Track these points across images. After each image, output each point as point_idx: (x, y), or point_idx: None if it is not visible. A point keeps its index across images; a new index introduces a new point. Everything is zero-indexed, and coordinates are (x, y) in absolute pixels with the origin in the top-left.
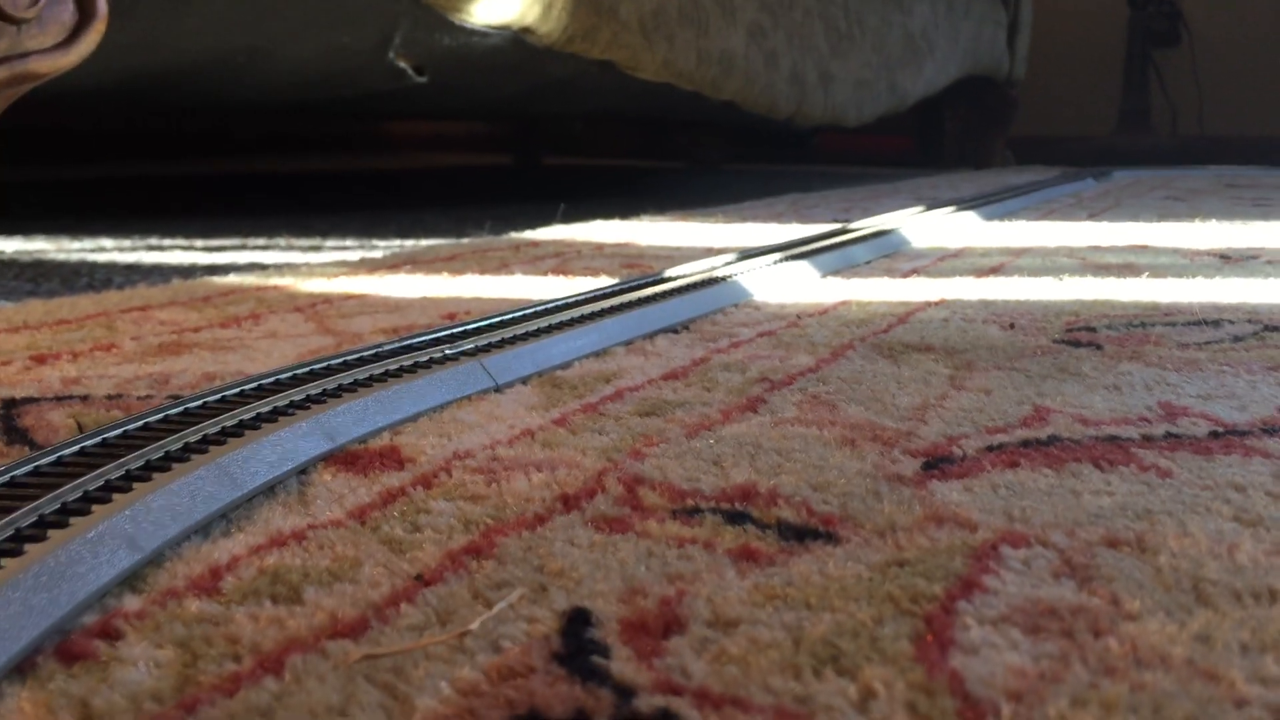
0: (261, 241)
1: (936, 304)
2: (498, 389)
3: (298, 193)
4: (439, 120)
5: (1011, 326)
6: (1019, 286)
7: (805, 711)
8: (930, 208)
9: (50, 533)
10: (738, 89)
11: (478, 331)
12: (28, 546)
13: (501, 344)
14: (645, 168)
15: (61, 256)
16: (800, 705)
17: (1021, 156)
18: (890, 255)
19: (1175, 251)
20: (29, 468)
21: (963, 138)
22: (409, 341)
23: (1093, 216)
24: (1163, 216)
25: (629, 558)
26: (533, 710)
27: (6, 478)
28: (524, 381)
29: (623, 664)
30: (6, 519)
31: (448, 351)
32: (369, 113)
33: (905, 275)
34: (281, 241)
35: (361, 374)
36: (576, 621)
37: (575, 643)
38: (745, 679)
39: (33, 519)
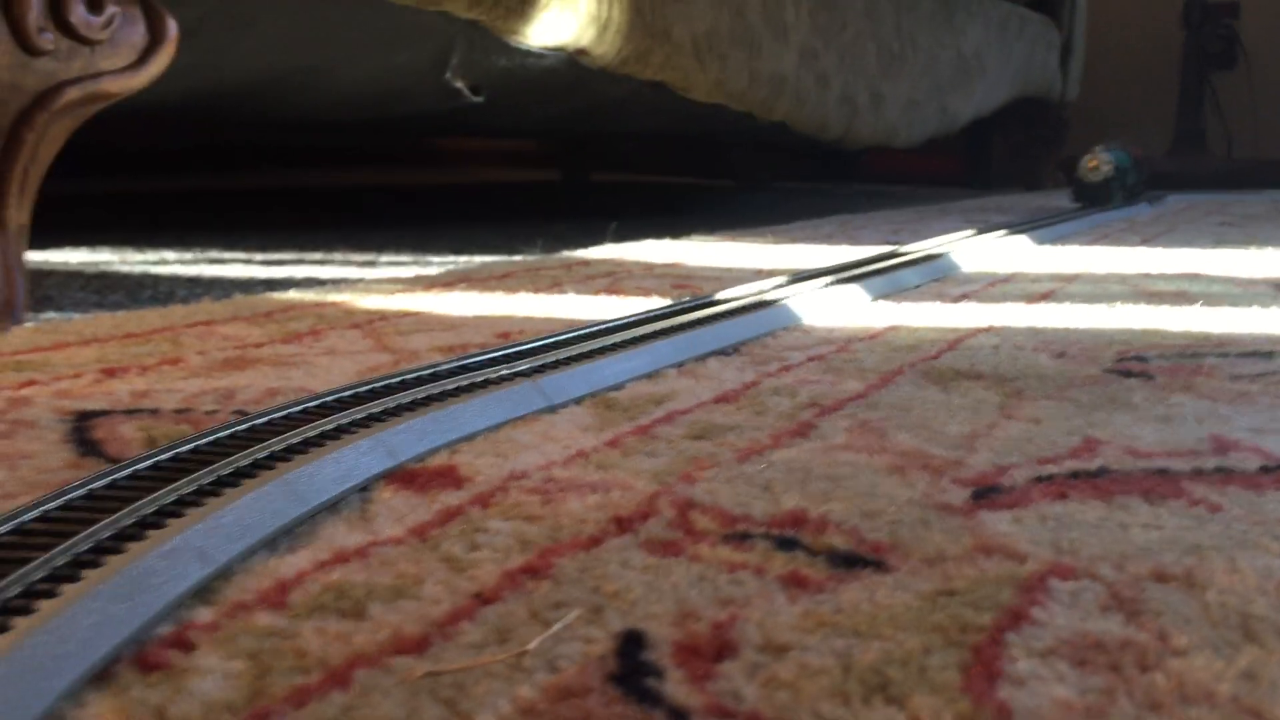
0: (318, 256)
1: (987, 330)
2: (552, 409)
3: (352, 207)
4: (489, 137)
5: (1062, 355)
6: (1070, 313)
7: None
8: (980, 231)
9: (127, 545)
10: (788, 110)
11: (532, 352)
12: (106, 559)
13: (556, 365)
14: (693, 185)
15: (126, 269)
16: None
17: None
18: (940, 279)
19: (1229, 280)
20: (106, 481)
21: (1013, 159)
22: (466, 361)
23: (1146, 242)
24: (1217, 243)
25: (681, 581)
26: None
27: (84, 490)
28: (577, 402)
29: (676, 686)
30: (86, 531)
31: (503, 372)
32: (422, 130)
33: (955, 300)
34: (338, 256)
35: (420, 393)
36: (631, 643)
37: (630, 664)
38: (796, 704)
39: (111, 531)
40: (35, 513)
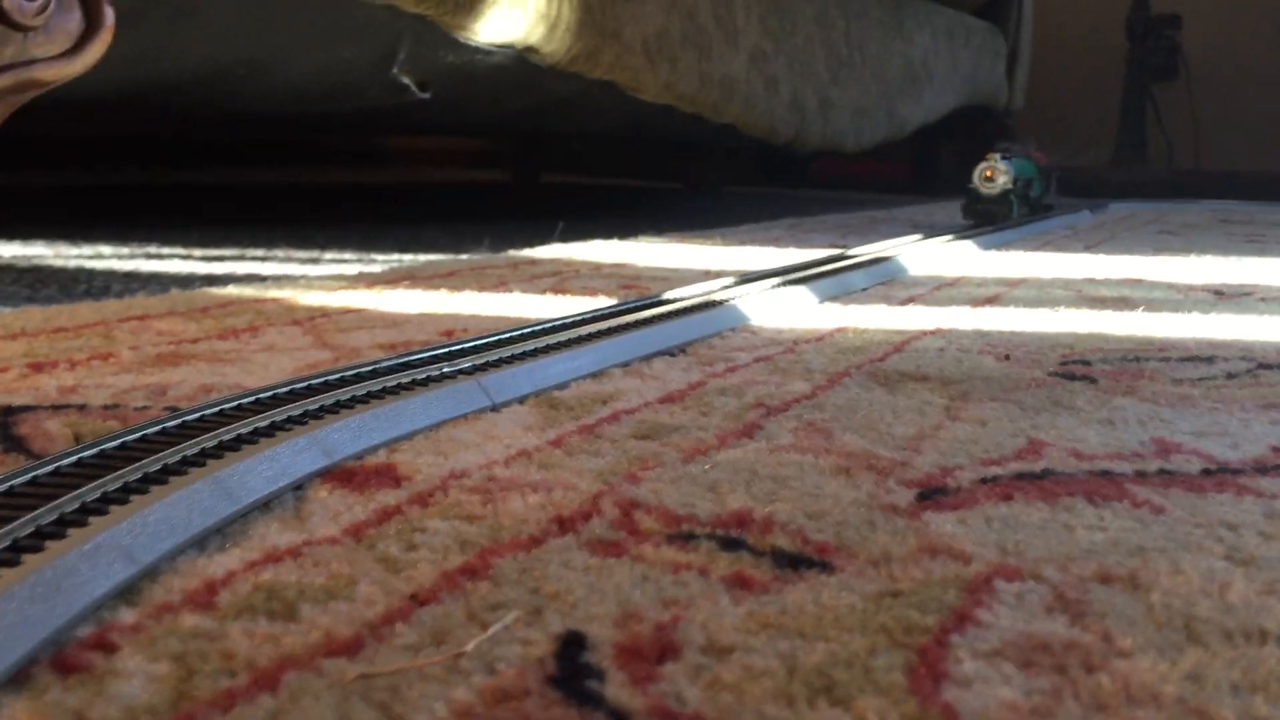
0: (260, 252)
1: (933, 333)
2: (495, 408)
3: (296, 204)
4: (437, 136)
5: (1007, 358)
6: (1015, 317)
7: None
8: (927, 235)
9: (47, 544)
10: (738, 113)
11: (476, 350)
12: (25, 557)
13: (499, 363)
14: (643, 188)
15: (59, 263)
16: None
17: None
18: (888, 282)
19: (1170, 286)
20: (27, 477)
21: (960, 166)
22: (407, 358)
23: (1089, 249)
24: (1158, 250)
25: (624, 582)
26: None
27: (4, 487)
28: (521, 401)
29: (618, 689)
30: (4, 529)
31: (445, 369)
32: (369, 127)
33: (902, 303)
34: (280, 253)
35: (359, 390)
36: (571, 645)
37: (570, 666)
38: (740, 706)
39: (30, 529)
40: None
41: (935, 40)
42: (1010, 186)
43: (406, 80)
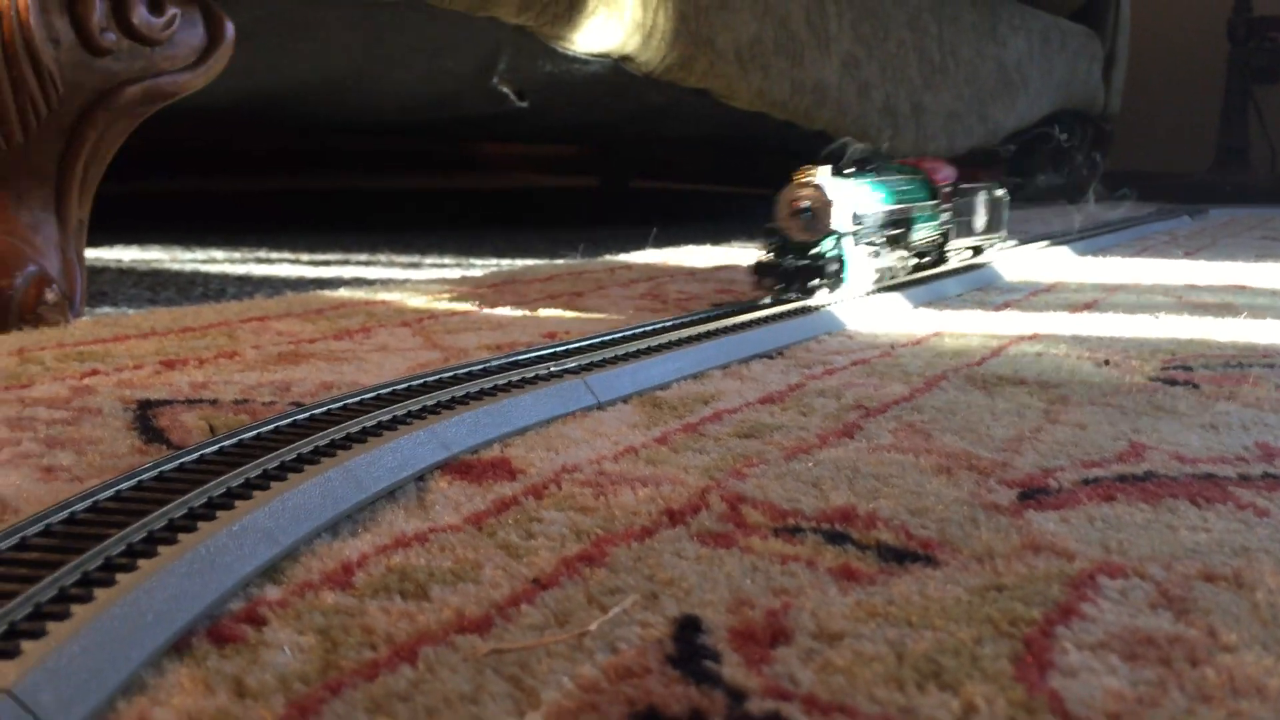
0: (364, 257)
1: (1030, 338)
2: (600, 407)
3: (395, 210)
4: (529, 143)
5: (1106, 363)
6: (1114, 323)
7: None
8: (1022, 242)
9: (199, 524)
10: (830, 119)
11: (580, 350)
12: (180, 536)
13: (603, 363)
14: (731, 193)
15: (176, 267)
16: (905, 715)
17: (1115, 191)
18: (982, 289)
19: (1273, 293)
20: (175, 464)
21: (1053, 170)
22: (515, 358)
23: (1189, 254)
24: (1260, 256)
25: (734, 571)
26: (651, 708)
27: (155, 472)
28: (625, 400)
29: (733, 669)
30: (160, 510)
31: (552, 369)
32: (464, 134)
33: (998, 309)
34: (383, 258)
35: (472, 388)
36: (688, 628)
37: (688, 647)
38: (851, 689)
39: (183, 511)
40: (109, 492)
41: (1030, 44)
42: (838, 229)
43: (505, 89)
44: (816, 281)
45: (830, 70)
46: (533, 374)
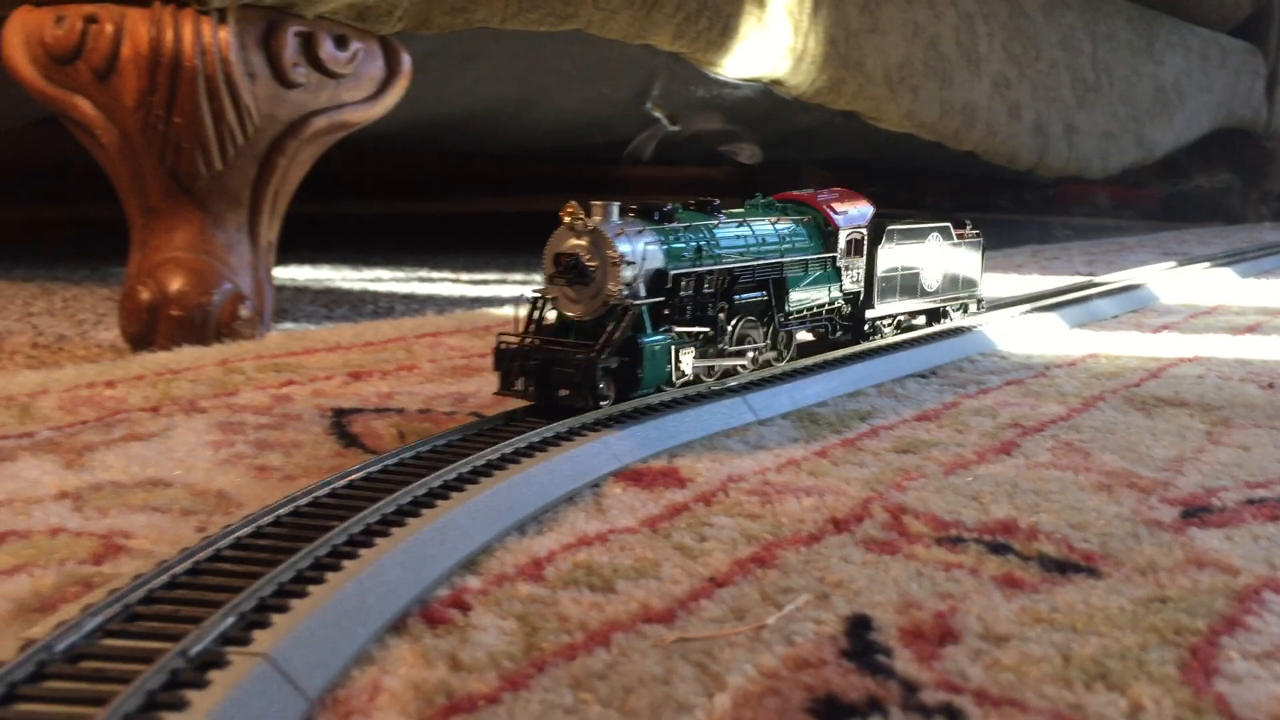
0: (519, 276)
1: (1190, 360)
2: (760, 422)
3: (543, 231)
4: (672, 165)
5: (1270, 386)
6: (1278, 346)
7: (1079, 717)
8: (1180, 263)
9: (408, 520)
10: (979, 140)
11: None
12: (393, 530)
13: (761, 382)
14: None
15: (346, 285)
16: (1074, 712)
17: None
18: (1138, 310)
19: None
20: (379, 466)
21: (1214, 191)
22: None
23: None
24: None
25: (900, 575)
26: (830, 695)
27: (363, 473)
28: (783, 417)
29: (905, 664)
30: (373, 506)
31: (714, 387)
32: (614, 158)
33: (1155, 330)
34: (538, 277)
35: (640, 404)
36: (859, 625)
37: (860, 642)
38: (1020, 685)
39: (393, 508)
40: (326, 490)
41: (1188, 61)
42: (633, 299)
43: (658, 114)
44: (566, 394)
45: (980, 91)
46: (695, 391)
